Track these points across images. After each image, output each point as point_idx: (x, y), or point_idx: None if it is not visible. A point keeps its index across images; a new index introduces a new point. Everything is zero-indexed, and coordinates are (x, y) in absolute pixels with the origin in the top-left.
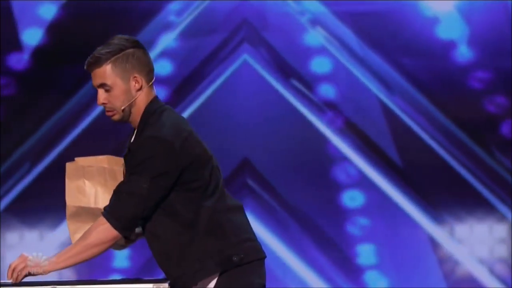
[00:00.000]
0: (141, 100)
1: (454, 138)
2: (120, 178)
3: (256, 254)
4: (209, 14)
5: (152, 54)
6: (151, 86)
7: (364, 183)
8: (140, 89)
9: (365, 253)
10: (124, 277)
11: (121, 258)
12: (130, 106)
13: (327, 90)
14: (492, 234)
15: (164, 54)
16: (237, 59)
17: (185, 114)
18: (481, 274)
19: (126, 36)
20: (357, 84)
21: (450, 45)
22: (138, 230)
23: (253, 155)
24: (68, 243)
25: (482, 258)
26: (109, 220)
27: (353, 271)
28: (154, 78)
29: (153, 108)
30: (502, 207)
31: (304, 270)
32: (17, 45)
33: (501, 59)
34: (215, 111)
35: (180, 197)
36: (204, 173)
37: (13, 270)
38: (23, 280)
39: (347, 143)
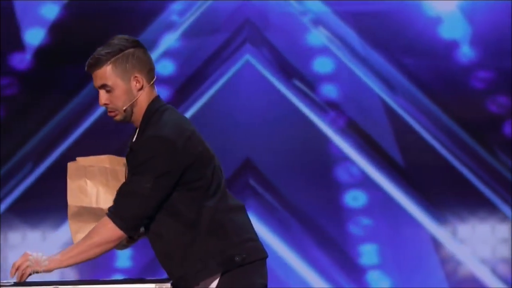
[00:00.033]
0: (143, 100)
1: (457, 138)
2: (122, 178)
3: (258, 254)
4: (212, 14)
5: (155, 54)
6: (152, 86)
7: (366, 183)
8: (141, 88)
9: (367, 253)
10: (126, 277)
11: (124, 258)
12: (132, 106)
13: (329, 90)
14: (494, 234)
15: (166, 54)
16: (240, 59)
17: (188, 114)
18: (483, 274)
19: (126, 36)
20: (360, 84)
21: (452, 45)
22: (141, 229)
23: (255, 155)
24: (70, 243)
25: (484, 258)
26: (113, 220)
27: (355, 271)
28: (155, 77)
29: (155, 108)
30: (504, 207)
31: (306, 270)
32: (19, 45)
33: (503, 59)
34: (217, 111)
35: (182, 197)
36: (207, 172)
37: (17, 269)
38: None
39: (350, 143)
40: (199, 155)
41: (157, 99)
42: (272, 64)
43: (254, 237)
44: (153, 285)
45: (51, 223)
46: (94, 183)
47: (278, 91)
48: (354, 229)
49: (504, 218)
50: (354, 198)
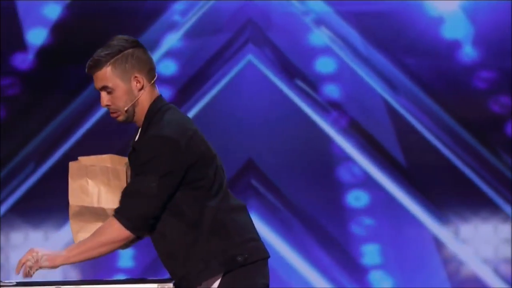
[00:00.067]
0: (144, 99)
1: (459, 138)
2: (123, 177)
3: (260, 254)
4: (214, 14)
5: (157, 54)
6: (153, 85)
7: (368, 183)
8: (141, 88)
9: (370, 253)
10: (128, 277)
11: (126, 258)
12: (134, 106)
13: (331, 90)
14: (496, 234)
15: (168, 54)
16: (242, 59)
17: (190, 114)
18: (486, 274)
19: (125, 37)
20: (362, 84)
21: (454, 45)
22: None
23: (257, 155)
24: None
25: (487, 258)
26: (120, 220)
27: (357, 271)
28: (156, 76)
29: (157, 107)
30: (507, 207)
31: (308, 270)
32: (21, 45)
33: (506, 59)
34: (219, 111)
35: (185, 197)
36: (209, 172)
37: (23, 266)
38: (26, 280)
39: (352, 143)
40: (201, 154)
41: (159, 98)
42: (275, 64)
43: (256, 237)
44: (155, 285)
45: (53, 223)
46: (95, 183)
47: (280, 91)
48: (356, 229)
49: (506, 218)
50: (356, 198)
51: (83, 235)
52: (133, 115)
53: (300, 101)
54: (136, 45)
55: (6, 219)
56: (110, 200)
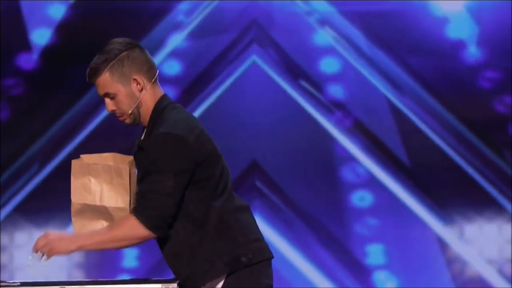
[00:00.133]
0: (148, 99)
1: (463, 138)
2: (126, 176)
3: (264, 254)
4: (218, 15)
5: (162, 54)
6: (155, 83)
7: (372, 183)
8: (142, 89)
9: (374, 254)
10: (133, 277)
11: (130, 258)
12: (138, 107)
13: (335, 91)
14: (501, 234)
15: (173, 54)
16: (246, 60)
17: (194, 115)
18: (490, 274)
19: (120, 39)
20: (366, 84)
21: (459, 45)
22: None
23: (261, 156)
24: None
25: (491, 258)
26: (141, 220)
27: (361, 271)
28: (157, 74)
29: (162, 106)
30: (511, 207)
31: (312, 271)
32: (26, 45)
33: (510, 59)
34: (224, 112)
35: (192, 196)
36: (215, 171)
37: (40, 249)
38: (28, 280)
39: (356, 143)
40: (208, 153)
41: (163, 97)
42: (279, 64)
43: (260, 238)
44: (159, 285)
45: (57, 224)
46: (98, 181)
47: (284, 92)
48: (360, 229)
49: (510, 218)
50: (361, 199)
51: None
52: (139, 116)
53: (304, 101)
54: (131, 46)
55: (10, 219)
56: (112, 198)
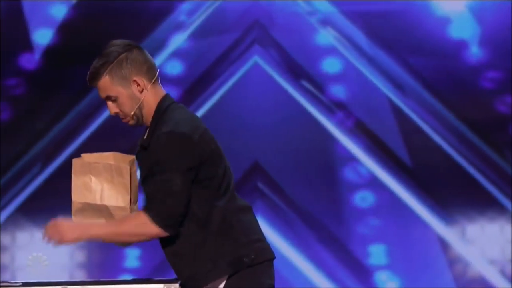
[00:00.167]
0: (149, 100)
1: (465, 138)
2: (127, 175)
3: (267, 254)
4: (220, 15)
5: (163, 54)
6: (155, 83)
7: (374, 183)
8: (143, 90)
9: (375, 254)
10: (134, 277)
11: (132, 258)
12: (140, 108)
13: (337, 91)
14: (503, 234)
15: (175, 54)
16: (248, 60)
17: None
18: (492, 275)
19: (118, 41)
20: (368, 84)
21: (461, 45)
22: None
23: (263, 157)
24: (78, 245)
25: (493, 258)
26: (153, 218)
27: (363, 271)
28: (157, 73)
29: (164, 106)
30: None
31: (314, 272)
32: (27, 45)
33: None
34: (226, 112)
35: (196, 196)
36: (218, 171)
37: (50, 238)
38: (30, 281)
39: (357, 143)
40: (211, 152)
41: (166, 97)
42: (280, 65)
43: (262, 238)
44: (161, 285)
45: None
46: (99, 180)
47: (286, 92)
48: (362, 229)
49: None
50: (362, 199)
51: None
52: (142, 117)
53: (306, 101)
54: (129, 48)
55: (12, 219)
56: (113, 197)
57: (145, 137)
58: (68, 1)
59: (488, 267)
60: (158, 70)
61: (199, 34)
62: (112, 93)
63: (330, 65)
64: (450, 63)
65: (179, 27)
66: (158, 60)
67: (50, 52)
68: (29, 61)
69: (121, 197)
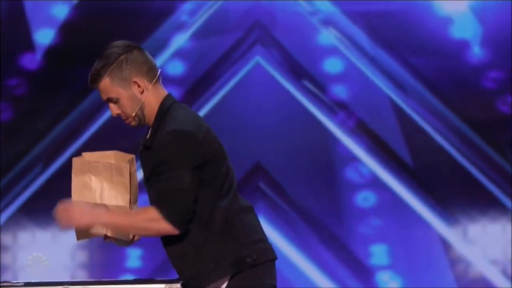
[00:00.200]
0: (151, 100)
1: (466, 138)
2: (127, 174)
3: (269, 255)
4: (222, 15)
5: (165, 54)
6: (156, 83)
7: (376, 183)
8: (144, 91)
9: (377, 254)
10: (136, 277)
11: (134, 258)
12: (141, 109)
13: (339, 91)
14: (505, 234)
15: (177, 54)
16: (250, 60)
17: None
18: (494, 275)
19: (119, 42)
20: (369, 84)
21: (463, 45)
22: None
23: (265, 158)
24: (80, 245)
25: (495, 258)
26: (165, 215)
27: (364, 272)
28: (158, 73)
29: (167, 105)
30: None
31: (315, 272)
32: (29, 45)
33: None
34: (228, 112)
35: (199, 195)
36: (221, 170)
37: (60, 219)
38: (32, 281)
39: (359, 143)
40: (215, 152)
41: (168, 97)
42: (282, 65)
43: (264, 238)
44: (163, 285)
45: None
46: (99, 179)
47: (287, 92)
48: (363, 229)
49: None
50: (364, 199)
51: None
52: (144, 118)
53: (307, 102)
54: (129, 49)
55: (14, 219)
56: (112, 196)
57: (147, 137)
58: (69, 1)
59: (489, 267)
60: (160, 70)
61: (200, 34)
62: (113, 95)
63: (332, 65)
64: (452, 63)
65: (180, 27)
66: (159, 60)
67: (51, 52)
68: (31, 61)
69: (120, 196)
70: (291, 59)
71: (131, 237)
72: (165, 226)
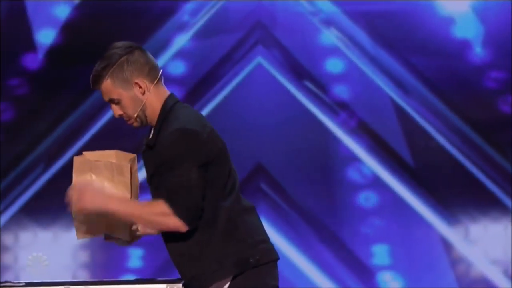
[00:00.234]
0: (153, 101)
1: (467, 138)
2: (127, 173)
3: (271, 255)
4: (224, 15)
5: (167, 54)
6: (158, 84)
7: (377, 184)
8: (145, 92)
9: (379, 254)
10: (137, 277)
11: (135, 258)
12: (143, 110)
13: (340, 91)
14: (506, 234)
15: (178, 54)
16: (252, 60)
17: None
18: (495, 275)
19: (120, 43)
20: (370, 84)
21: (465, 45)
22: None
23: (266, 158)
24: (81, 245)
25: (496, 259)
26: (177, 212)
27: (366, 272)
28: (160, 74)
29: (170, 105)
30: None
31: (316, 272)
32: (31, 45)
33: None
34: (229, 112)
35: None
36: (225, 170)
37: (70, 200)
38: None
39: (360, 144)
40: (218, 151)
41: (170, 97)
42: (283, 65)
43: (266, 239)
44: (164, 285)
45: (62, 224)
46: (100, 178)
47: (288, 92)
48: (364, 230)
49: None
50: (365, 199)
51: (85, 230)
52: (146, 119)
53: (309, 102)
54: (130, 50)
55: (16, 219)
56: None
57: (150, 137)
58: (71, 1)
59: (491, 267)
60: (161, 70)
61: (202, 34)
62: (115, 96)
63: (333, 65)
64: (453, 63)
65: (182, 27)
66: (161, 61)
67: (53, 52)
68: (32, 61)
69: (121, 195)
70: (293, 59)
71: (131, 237)
72: (175, 222)
